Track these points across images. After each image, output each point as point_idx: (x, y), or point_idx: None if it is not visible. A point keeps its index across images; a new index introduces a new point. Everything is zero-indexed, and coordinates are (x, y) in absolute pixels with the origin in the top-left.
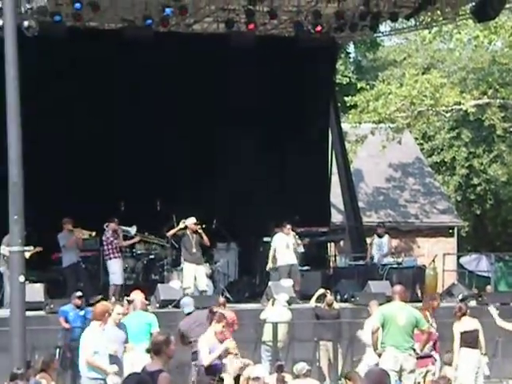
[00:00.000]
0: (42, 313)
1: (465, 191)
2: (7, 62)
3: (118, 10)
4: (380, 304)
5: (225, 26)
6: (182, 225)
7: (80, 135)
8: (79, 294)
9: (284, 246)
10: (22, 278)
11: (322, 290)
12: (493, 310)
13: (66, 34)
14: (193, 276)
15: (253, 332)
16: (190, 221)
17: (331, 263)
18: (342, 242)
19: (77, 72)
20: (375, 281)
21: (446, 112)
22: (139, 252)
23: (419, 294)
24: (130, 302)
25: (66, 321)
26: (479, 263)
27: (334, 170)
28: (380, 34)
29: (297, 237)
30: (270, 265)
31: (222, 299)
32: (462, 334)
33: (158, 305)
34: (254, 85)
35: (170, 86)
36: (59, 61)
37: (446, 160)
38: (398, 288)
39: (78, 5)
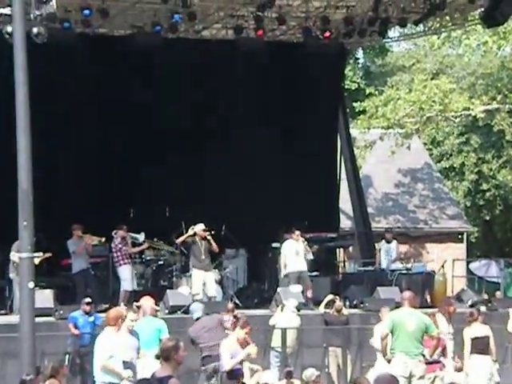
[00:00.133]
0: (51, 319)
1: (474, 197)
2: (17, 69)
3: (127, 16)
4: (390, 310)
5: (233, 32)
6: (191, 231)
7: (89, 141)
8: (88, 300)
9: (293, 253)
10: (31, 285)
11: (331, 296)
12: None
13: (76, 40)
14: (201, 283)
15: (262, 338)
16: (199, 227)
17: (340, 269)
18: (350, 248)
19: (86, 78)
20: (384, 287)
21: (455, 117)
22: (148, 258)
23: (428, 300)
24: (138, 307)
25: (76, 327)
26: (489, 269)
27: (343, 175)
28: (389, 40)
29: (306, 243)
30: (283, 271)
31: (230, 305)
32: (472, 340)
33: (167, 311)
34: (263, 90)
35: (179, 91)
36: (68, 67)
37: (455, 165)
38: (407, 294)
39: (87, 11)
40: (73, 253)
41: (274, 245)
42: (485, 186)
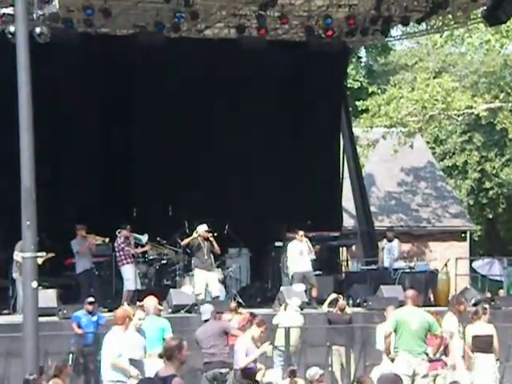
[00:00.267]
0: (54, 318)
1: (477, 195)
2: (19, 68)
3: (130, 16)
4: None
5: (236, 31)
6: (195, 234)
7: (92, 140)
8: (91, 299)
9: (298, 254)
10: (34, 284)
11: (334, 295)
12: None
13: (78, 40)
14: (204, 283)
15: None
16: (202, 228)
17: (343, 268)
18: (353, 247)
19: (88, 77)
20: (387, 285)
21: (458, 116)
22: (151, 257)
23: (432, 299)
24: (141, 307)
25: (79, 326)
26: (492, 267)
27: (346, 174)
28: (391, 38)
29: (309, 243)
30: (288, 271)
31: (233, 304)
32: (473, 338)
33: (170, 310)
34: (265, 89)
35: (182, 90)
36: (71, 67)
37: (457, 164)
38: (410, 292)
39: (89, 11)
40: (77, 253)
41: (277, 244)
42: (488, 185)
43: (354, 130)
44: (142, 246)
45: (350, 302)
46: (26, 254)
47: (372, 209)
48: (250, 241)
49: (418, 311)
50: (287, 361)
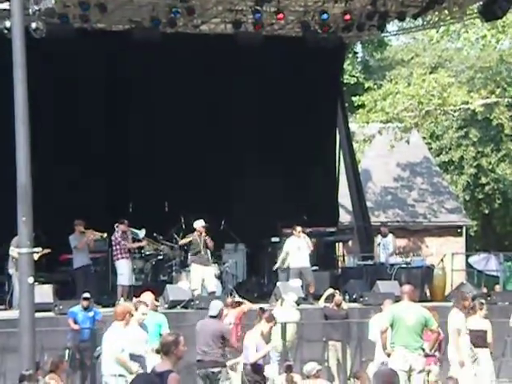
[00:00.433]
0: (51, 314)
1: (473, 190)
2: (15, 64)
3: (126, 11)
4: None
5: (232, 26)
6: (193, 236)
7: (87, 135)
8: (86, 295)
9: (295, 249)
10: (30, 280)
11: (331, 290)
12: None
13: (74, 35)
14: (200, 278)
15: None
16: (199, 223)
17: (339, 263)
18: (350, 242)
19: (84, 73)
20: (384, 281)
21: (454, 111)
22: (148, 253)
23: (428, 294)
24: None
25: (75, 322)
26: (488, 262)
27: (342, 169)
28: (387, 34)
29: (307, 238)
30: (278, 264)
31: (229, 300)
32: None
33: (166, 305)
34: (262, 85)
35: (178, 86)
36: (67, 62)
37: (454, 159)
38: (406, 288)
39: (85, 6)
40: (74, 248)
41: (274, 239)
42: (484, 180)
43: (350, 125)
44: (139, 240)
45: (347, 297)
46: (22, 250)
47: (368, 204)
48: (247, 236)
49: (414, 306)
50: (283, 356)
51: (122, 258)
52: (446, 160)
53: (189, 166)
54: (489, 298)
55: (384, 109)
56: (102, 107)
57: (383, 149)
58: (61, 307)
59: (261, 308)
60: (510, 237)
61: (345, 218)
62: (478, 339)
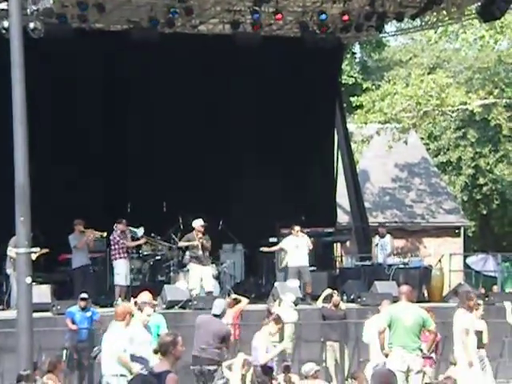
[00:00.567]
0: (48, 314)
1: (471, 191)
2: (13, 64)
3: (124, 11)
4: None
5: (230, 26)
6: (193, 242)
7: (85, 135)
8: (83, 296)
9: (293, 247)
10: (28, 280)
11: (329, 291)
12: (508, 305)
13: (72, 35)
14: (199, 277)
15: None
16: (198, 222)
17: (337, 264)
18: (348, 243)
19: (83, 74)
20: (382, 281)
21: (452, 112)
22: (146, 253)
23: (426, 295)
24: (136, 303)
25: (73, 322)
26: (486, 263)
27: (340, 170)
28: (386, 34)
29: (306, 237)
30: (282, 264)
31: (228, 300)
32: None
33: (164, 306)
34: (260, 85)
35: (176, 87)
36: (65, 62)
37: (452, 160)
38: (404, 288)
39: (83, 6)
40: (74, 247)
41: (271, 240)
42: (482, 181)
43: (348, 125)
44: (138, 239)
45: (344, 297)
46: (19, 250)
47: (366, 205)
48: (245, 237)
49: (412, 307)
50: (281, 356)
51: (120, 257)
52: (444, 161)
53: (187, 166)
54: (487, 299)
55: (382, 109)
56: (100, 107)
57: (381, 149)
58: (59, 307)
59: (268, 310)
60: (508, 237)
61: (343, 218)
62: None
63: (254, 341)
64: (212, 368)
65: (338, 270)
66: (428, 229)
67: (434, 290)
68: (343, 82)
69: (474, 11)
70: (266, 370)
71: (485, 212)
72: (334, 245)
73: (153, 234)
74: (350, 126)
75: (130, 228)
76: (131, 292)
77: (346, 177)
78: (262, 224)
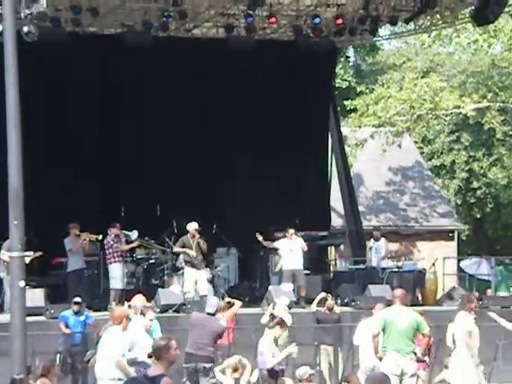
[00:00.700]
0: (42, 318)
1: (465, 195)
2: (7, 68)
3: (118, 15)
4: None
5: (224, 30)
6: (189, 251)
7: (79, 139)
8: (76, 300)
9: (287, 251)
10: (22, 284)
11: (323, 294)
12: (493, 315)
13: (66, 39)
14: (193, 280)
15: (253, 336)
16: (192, 226)
17: (331, 267)
18: (342, 246)
19: (76, 76)
20: (375, 285)
21: (446, 116)
22: (139, 257)
23: (419, 298)
24: (130, 306)
25: (67, 326)
26: (479, 267)
27: (334, 173)
28: (379, 38)
29: (300, 239)
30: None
31: (222, 303)
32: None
33: (158, 309)
34: (254, 89)
35: (170, 90)
36: (59, 66)
37: (445, 163)
38: (398, 292)
39: (77, 10)
40: (69, 251)
41: (265, 244)
42: (475, 184)
43: (342, 129)
44: (132, 242)
45: (338, 301)
46: (13, 254)
47: (360, 208)
48: (239, 240)
49: (406, 310)
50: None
51: (115, 261)
52: (438, 164)
53: (181, 169)
54: (480, 302)
55: (376, 113)
56: (94, 111)
57: (375, 153)
58: (52, 311)
59: (271, 314)
60: (502, 241)
61: (337, 222)
62: None
63: (260, 346)
64: (208, 366)
65: (331, 274)
66: (422, 232)
67: (428, 293)
68: (337, 85)
69: (467, 15)
70: (273, 373)
71: (478, 216)
72: (328, 248)
73: (147, 238)
74: (344, 130)
75: (124, 232)
76: (125, 296)
77: (339, 180)
78: (255, 227)
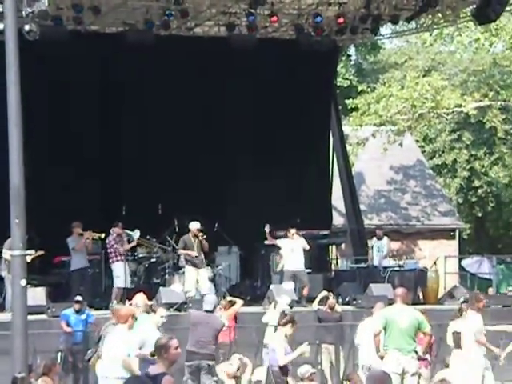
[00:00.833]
0: (43, 316)
1: (466, 193)
2: (8, 66)
3: (119, 13)
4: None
5: (226, 29)
6: (191, 253)
7: (80, 137)
8: (78, 298)
9: (289, 251)
10: (23, 282)
11: (324, 293)
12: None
13: (67, 37)
14: (194, 279)
15: (254, 335)
16: (194, 226)
17: (333, 266)
18: (343, 245)
19: (78, 75)
20: (377, 283)
21: (447, 114)
22: (141, 255)
23: (421, 297)
24: (131, 305)
25: (68, 325)
26: (481, 265)
27: (336, 172)
28: (381, 37)
29: (301, 239)
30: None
31: (223, 302)
32: (452, 334)
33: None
34: (255, 87)
35: (171, 89)
36: (60, 64)
37: (447, 162)
38: (399, 290)
39: (78, 9)
40: (72, 249)
41: (266, 242)
42: (477, 183)
43: (343, 128)
44: (132, 241)
45: (340, 300)
46: (14, 252)
47: (361, 207)
48: (240, 239)
49: (407, 309)
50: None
51: (118, 260)
52: (439, 163)
53: (182, 168)
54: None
55: (377, 112)
56: (95, 109)
57: (376, 152)
58: (53, 310)
59: (282, 312)
60: (503, 240)
61: (338, 220)
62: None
63: (272, 343)
64: (211, 363)
65: (333, 273)
66: (423, 231)
67: (429, 292)
68: (338, 84)
69: (469, 14)
70: (285, 371)
71: (480, 214)
72: (330, 247)
73: (148, 237)
74: (346, 129)
75: (127, 231)
76: (126, 294)
77: (341, 179)
78: (257, 226)
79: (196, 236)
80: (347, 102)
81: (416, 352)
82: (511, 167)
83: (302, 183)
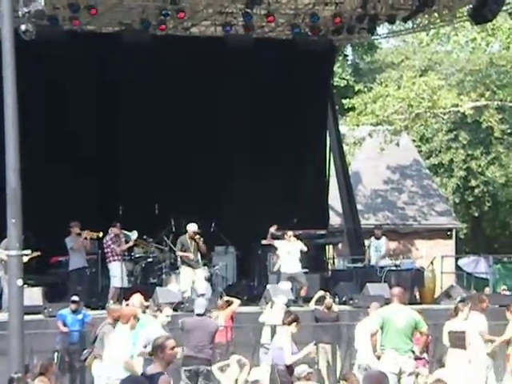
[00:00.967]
0: (40, 316)
1: (463, 193)
2: (5, 66)
3: (115, 13)
4: (381, 306)
5: (222, 28)
6: (189, 255)
7: (77, 138)
8: (74, 298)
9: (285, 253)
10: (20, 282)
11: (321, 293)
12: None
13: (64, 37)
14: (190, 279)
15: (251, 335)
16: (192, 227)
17: (329, 266)
18: (340, 245)
19: (74, 74)
20: (374, 283)
21: (444, 114)
22: (138, 255)
23: (417, 297)
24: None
25: (64, 325)
26: (477, 265)
27: (332, 172)
28: (377, 37)
29: (298, 241)
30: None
31: (220, 302)
32: (448, 333)
33: (156, 308)
34: (252, 87)
35: (168, 89)
36: (56, 64)
37: (443, 162)
38: (396, 290)
39: (75, 8)
40: (71, 249)
41: (264, 242)
42: (473, 183)
43: (340, 128)
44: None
45: (336, 299)
46: (11, 252)
47: (358, 207)
48: (237, 239)
49: (404, 309)
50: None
51: (115, 260)
52: (436, 163)
53: (179, 168)
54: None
55: (374, 111)
56: (92, 109)
57: (373, 151)
58: (50, 310)
59: (288, 311)
60: (500, 239)
61: (335, 220)
62: (456, 340)
63: (278, 341)
64: (209, 368)
65: (330, 272)
66: (420, 231)
67: (426, 291)
68: (335, 84)
69: (465, 13)
70: (292, 370)
71: (476, 214)
72: (326, 247)
73: (145, 237)
74: (342, 128)
75: (124, 232)
76: (123, 294)
77: (338, 179)
78: (254, 226)
79: (193, 238)
80: (344, 101)
81: (413, 352)
82: (508, 167)
83: (298, 183)
